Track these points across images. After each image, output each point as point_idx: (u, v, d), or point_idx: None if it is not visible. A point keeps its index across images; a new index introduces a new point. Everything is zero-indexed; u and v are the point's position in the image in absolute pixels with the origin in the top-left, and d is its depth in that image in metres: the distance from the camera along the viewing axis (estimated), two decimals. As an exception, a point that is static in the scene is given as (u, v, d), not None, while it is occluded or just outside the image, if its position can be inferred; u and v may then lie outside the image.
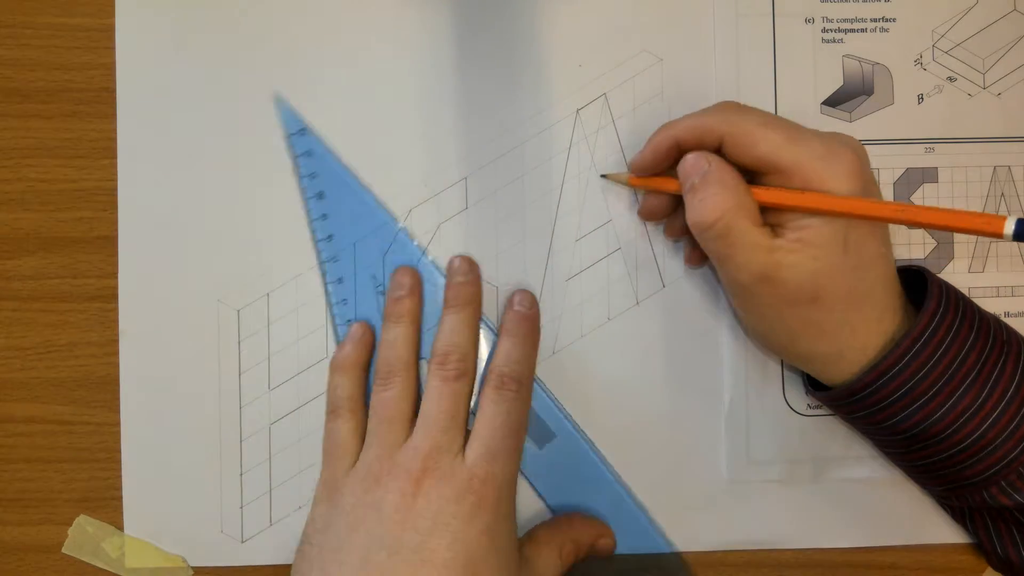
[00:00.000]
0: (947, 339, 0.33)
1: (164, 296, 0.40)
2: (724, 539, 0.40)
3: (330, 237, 0.39)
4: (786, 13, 0.41)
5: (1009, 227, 0.31)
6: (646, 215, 0.39)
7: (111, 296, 0.40)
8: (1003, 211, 0.41)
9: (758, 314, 0.36)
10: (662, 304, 0.40)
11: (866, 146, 0.35)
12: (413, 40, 0.40)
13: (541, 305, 0.40)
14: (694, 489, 0.40)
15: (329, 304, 0.40)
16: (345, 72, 0.40)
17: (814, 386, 0.38)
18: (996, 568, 0.39)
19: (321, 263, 0.40)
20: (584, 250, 0.40)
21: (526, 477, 0.40)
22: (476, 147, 0.40)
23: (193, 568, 0.40)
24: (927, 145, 0.41)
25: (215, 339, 0.40)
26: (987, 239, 0.40)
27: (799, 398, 0.40)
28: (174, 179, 0.40)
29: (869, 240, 0.34)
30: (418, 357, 0.38)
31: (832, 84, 0.41)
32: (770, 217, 0.34)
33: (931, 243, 0.41)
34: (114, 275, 0.40)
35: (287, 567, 0.38)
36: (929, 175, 0.41)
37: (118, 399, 0.40)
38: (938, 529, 0.40)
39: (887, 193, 0.41)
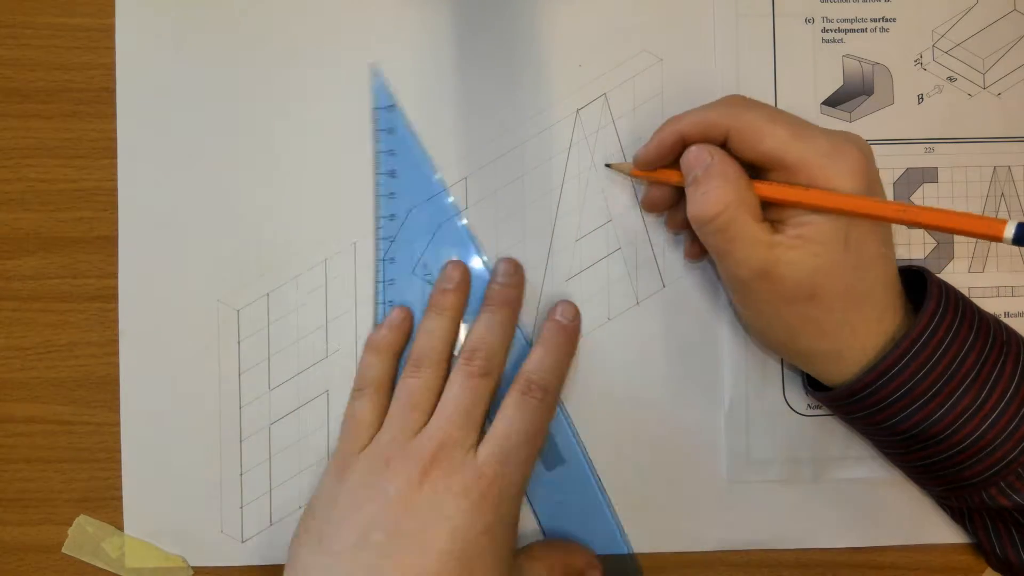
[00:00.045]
0: (946, 340, 0.33)
1: (164, 296, 0.40)
2: (724, 539, 0.40)
3: (392, 216, 0.39)
4: (786, 13, 0.41)
5: (1009, 231, 0.31)
6: (648, 206, 0.39)
7: (111, 296, 0.40)
8: (1003, 211, 0.41)
9: (757, 311, 0.36)
10: (662, 304, 0.40)
11: (866, 146, 0.35)
12: (413, 40, 0.40)
13: (541, 305, 0.40)
14: (694, 489, 0.40)
15: (376, 281, 0.40)
16: (341, 71, 0.40)
17: (814, 386, 0.38)
18: (995, 568, 0.39)
19: (378, 239, 0.40)
20: (584, 250, 0.40)
21: (527, 494, 0.40)
22: (476, 147, 0.40)
23: (193, 568, 0.40)
24: (927, 145, 0.41)
25: (215, 339, 0.40)
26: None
27: (799, 398, 0.40)
28: (174, 179, 0.40)
29: (870, 239, 0.34)
30: (452, 352, 0.38)
31: (832, 84, 0.41)
32: (771, 213, 0.34)
33: (931, 243, 0.41)
34: (114, 275, 0.40)
35: (287, 567, 0.38)
36: (929, 175, 0.41)
37: (118, 399, 0.40)
38: (937, 529, 0.40)
39: (887, 193, 0.41)
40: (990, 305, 0.40)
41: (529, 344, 0.39)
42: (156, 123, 0.40)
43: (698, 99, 0.37)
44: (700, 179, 0.34)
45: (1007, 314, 0.41)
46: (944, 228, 0.32)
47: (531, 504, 0.40)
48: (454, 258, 0.39)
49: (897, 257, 0.38)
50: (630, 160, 0.39)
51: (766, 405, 0.40)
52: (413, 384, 0.37)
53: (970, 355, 0.34)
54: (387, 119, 0.39)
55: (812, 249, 0.33)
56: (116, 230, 0.40)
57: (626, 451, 0.40)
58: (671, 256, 0.40)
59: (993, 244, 0.40)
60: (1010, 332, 0.35)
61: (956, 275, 0.40)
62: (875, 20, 0.41)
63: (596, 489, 0.40)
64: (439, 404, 0.36)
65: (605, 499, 0.40)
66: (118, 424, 0.40)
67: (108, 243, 0.40)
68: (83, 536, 0.40)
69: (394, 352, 0.39)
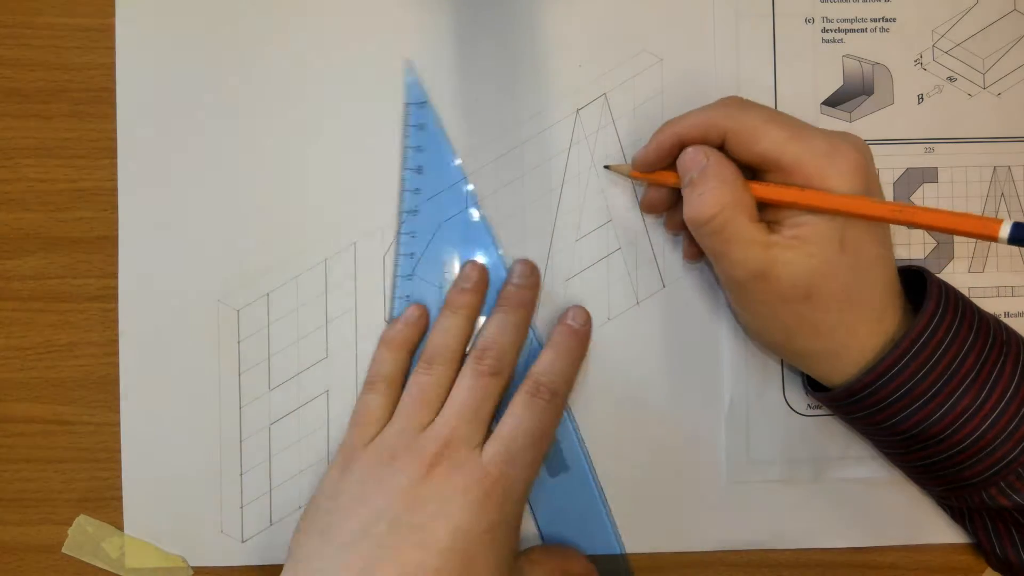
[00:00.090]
0: (946, 340, 0.33)
1: (164, 296, 0.40)
2: (724, 539, 0.40)
3: (415, 211, 0.39)
4: (786, 13, 0.41)
5: (1004, 231, 0.31)
6: (647, 208, 0.39)
7: (111, 296, 0.40)
8: (1003, 211, 0.41)
9: (754, 311, 0.36)
10: (662, 304, 0.40)
11: (866, 146, 0.35)
12: (413, 40, 0.40)
13: (541, 305, 0.40)
14: (694, 489, 0.40)
15: (395, 276, 0.40)
16: (341, 72, 0.40)
17: (813, 387, 0.38)
18: (995, 568, 0.39)
19: (399, 234, 0.40)
20: (584, 250, 0.40)
21: (528, 499, 0.40)
22: (476, 147, 0.40)
23: (193, 568, 0.40)
24: (927, 145, 0.41)
25: (215, 339, 0.40)
26: (987, 239, 0.40)
27: (799, 398, 0.40)
28: (174, 179, 0.40)
29: (867, 240, 0.34)
30: (465, 351, 0.38)
31: (832, 84, 0.41)
32: (768, 213, 0.34)
33: (931, 243, 0.41)
34: (114, 275, 0.40)
35: (287, 567, 0.38)
36: (929, 175, 0.41)
37: (118, 399, 0.40)
38: (938, 529, 0.40)
39: (887, 193, 0.41)
40: (990, 305, 0.40)
41: (540, 346, 0.39)
42: (156, 123, 0.40)
43: (698, 99, 0.37)
44: (696, 181, 0.34)
45: (1007, 314, 0.41)
46: (940, 228, 0.32)
47: (532, 509, 0.40)
48: (474, 260, 0.39)
49: (897, 257, 0.38)
50: (629, 161, 0.39)
51: (766, 405, 0.40)
52: (424, 381, 0.37)
53: (970, 355, 0.34)
54: (418, 115, 0.39)
55: (808, 250, 0.33)
56: (116, 230, 0.40)
57: (626, 451, 0.40)
58: (671, 256, 0.40)
59: (993, 244, 0.40)
60: (1010, 332, 0.35)
61: (956, 275, 0.40)
62: (875, 20, 0.41)
63: (597, 499, 0.40)
64: (447, 401, 0.36)
65: (605, 508, 0.40)
66: (118, 424, 0.40)
67: (108, 243, 0.40)
68: (83, 536, 0.40)
69: (408, 348, 0.39)
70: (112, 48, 0.40)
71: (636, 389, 0.40)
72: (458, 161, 0.40)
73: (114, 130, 0.40)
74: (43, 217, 0.40)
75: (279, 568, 0.36)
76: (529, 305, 0.39)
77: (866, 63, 0.41)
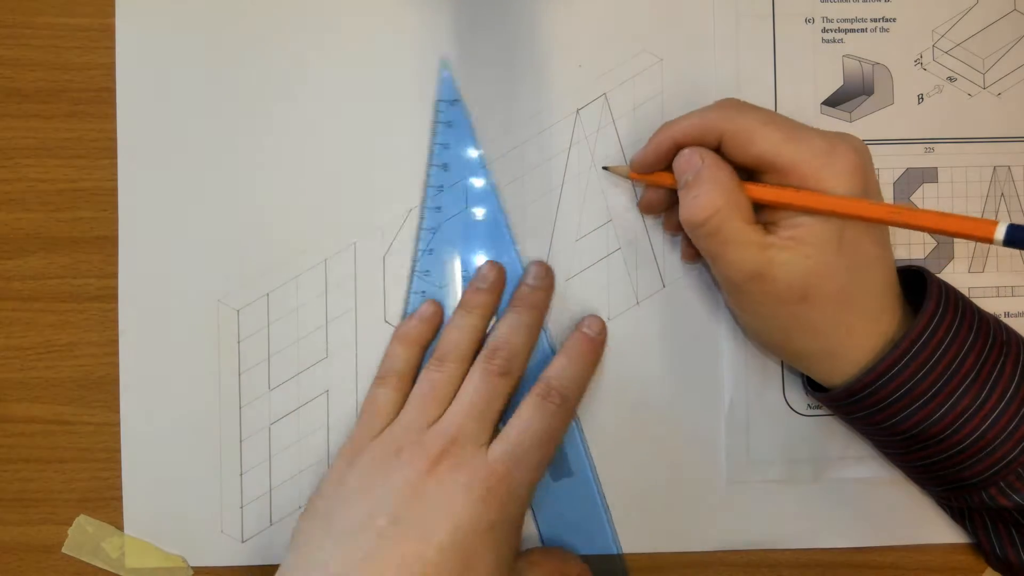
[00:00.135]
0: (946, 340, 0.33)
1: (164, 296, 0.40)
2: (724, 539, 0.40)
3: (439, 208, 0.39)
4: (786, 13, 0.41)
5: (1000, 232, 0.31)
6: (645, 208, 0.39)
7: (111, 296, 0.40)
8: (1003, 211, 0.41)
9: (751, 312, 0.36)
10: (662, 304, 0.40)
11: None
12: (412, 40, 0.40)
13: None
14: (694, 489, 0.40)
15: (412, 271, 0.40)
16: (342, 72, 0.40)
17: (813, 387, 0.38)
18: (995, 568, 0.39)
19: (420, 229, 0.40)
20: (584, 250, 0.40)
21: (530, 504, 0.40)
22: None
23: (193, 568, 0.40)
24: (927, 145, 0.41)
25: (215, 339, 0.40)
26: (987, 239, 0.40)
27: (799, 398, 0.40)
28: (174, 179, 0.40)
29: (865, 241, 0.34)
30: (477, 351, 0.38)
31: (832, 84, 0.41)
32: (765, 215, 0.35)
33: (931, 243, 0.41)
34: (114, 275, 0.40)
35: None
36: (929, 175, 0.41)
37: (118, 399, 0.40)
38: (938, 529, 0.40)
39: (887, 193, 0.41)
40: (990, 305, 0.40)
41: (551, 349, 0.39)
42: (156, 123, 0.40)
43: (698, 99, 0.37)
44: (691, 183, 0.34)
45: (1007, 314, 0.41)
46: (936, 230, 0.32)
47: (533, 509, 0.40)
48: (493, 260, 0.39)
49: (897, 257, 0.38)
50: (628, 162, 0.39)
51: (766, 405, 0.40)
52: (435, 377, 0.37)
53: (970, 355, 0.34)
54: (448, 113, 0.40)
55: (804, 251, 0.33)
56: (116, 230, 0.40)
57: (626, 451, 0.40)
58: (671, 256, 0.40)
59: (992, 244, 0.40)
60: (1010, 332, 0.35)
61: (956, 275, 0.40)
62: (875, 20, 0.41)
63: (599, 502, 0.40)
64: (455, 399, 0.36)
65: (606, 511, 0.40)
66: (118, 424, 0.40)
67: (108, 243, 0.40)
68: (83, 536, 0.40)
69: (421, 344, 0.39)
70: (112, 48, 0.40)
71: (636, 389, 0.40)
72: (482, 158, 0.40)
73: (114, 130, 0.40)
74: (43, 217, 0.40)
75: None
76: (542, 307, 0.39)
77: (866, 63, 0.41)
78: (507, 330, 0.38)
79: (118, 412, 0.40)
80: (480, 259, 0.40)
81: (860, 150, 0.34)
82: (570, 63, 0.40)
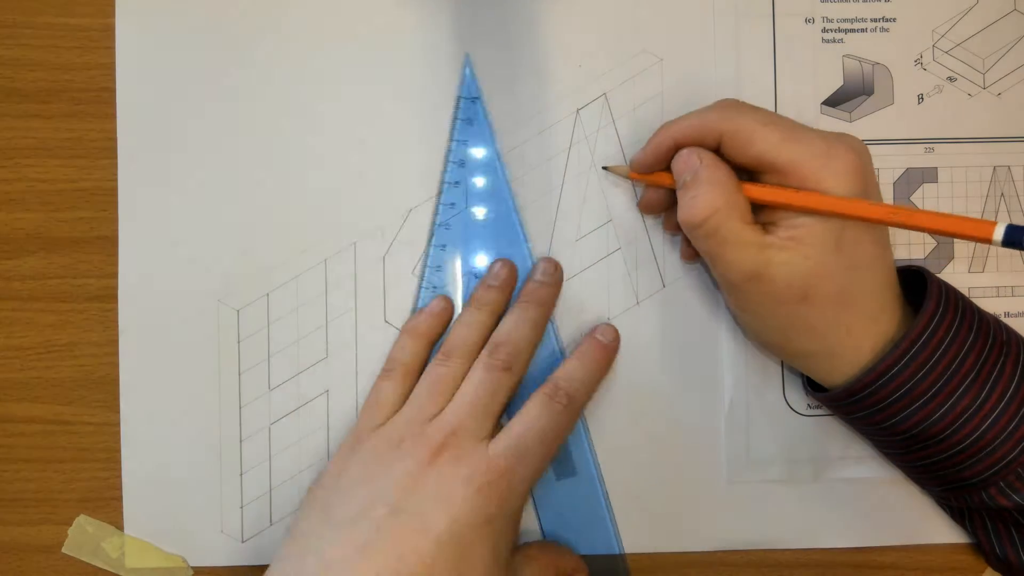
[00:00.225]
0: (946, 340, 0.33)
1: (164, 296, 0.40)
2: (724, 539, 0.40)
3: (453, 204, 0.39)
4: (786, 13, 0.41)
5: (998, 233, 0.31)
6: (645, 208, 0.39)
7: (111, 296, 0.40)
8: (1003, 211, 0.41)
9: (751, 312, 0.36)
10: (662, 304, 0.40)
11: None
12: (413, 40, 0.40)
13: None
14: (694, 489, 0.40)
15: (424, 265, 0.40)
16: (341, 72, 0.40)
17: (813, 387, 0.38)
18: (995, 568, 0.39)
19: (434, 224, 0.40)
20: (584, 250, 0.40)
21: (533, 499, 0.40)
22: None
23: (193, 568, 0.40)
24: (927, 145, 0.41)
25: (215, 339, 0.40)
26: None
27: (799, 398, 0.40)
28: (174, 179, 0.40)
29: (864, 241, 0.34)
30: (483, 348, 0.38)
31: (832, 84, 0.41)
32: (764, 215, 0.35)
33: (931, 243, 0.41)
34: (114, 275, 0.40)
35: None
36: (929, 175, 0.41)
37: (118, 399, 0.40)
38: (938, 529, 0.40)
39: (887, 193, 0.41)
40: (990, 305, 0.40)
41: (560, 351, 0.39)
42: (156, 123, 0.40)
43: (698, 99, 0.37)
44: (689, 184, 0.34)
45: (1007, 314, 0.41)
46: (934, 230, 0.32)
47: (536, 508, 0.40)
48: (505, 258, 0.39)
49: (897, 257, 0.38)
50: (628, 162, 0.39)
51: (766, 405, 0.40)
52: (440, 372, 0.37)
53: (970, 355, 0.34)
54: (469, 110, 0.40)
55: (803, 251, 0.33)
56: (116, 230, 0.40)
57: (626, 451, 0.40)
58: (671, 256, 0.40)
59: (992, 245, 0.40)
60: (1010, 332, 0.35)
61: (956, 275, 0.40)
62: (875, 20, 0.41)
63: (602, 502, 0.40)
64: (457, 393, 0.36)
65: (609, 510, 0.40)
66: (118, 424, 0.40)
67: (108, 243, 0.40)
68: (83, 536, 0.40)
69: (429, 339, 0.39)
70: (112, 48, 0.40)
71: (636, 389, 0.40)
72: (499, 155, 0.40)
73: (114, 130, 0.40)
74: (43, 217, 0.40)
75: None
76: (549, 303, 0.39)
77: (866, 63, 0.41)
78: (511, 325, 0.38)
79: (118, 412, 0.40)
80: (491, 257, 0.40)
81: (859, 150, 0.34)
82: (570, 63, 0.40)
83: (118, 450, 0.40)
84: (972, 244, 0.41)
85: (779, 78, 0.40)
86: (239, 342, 0.40)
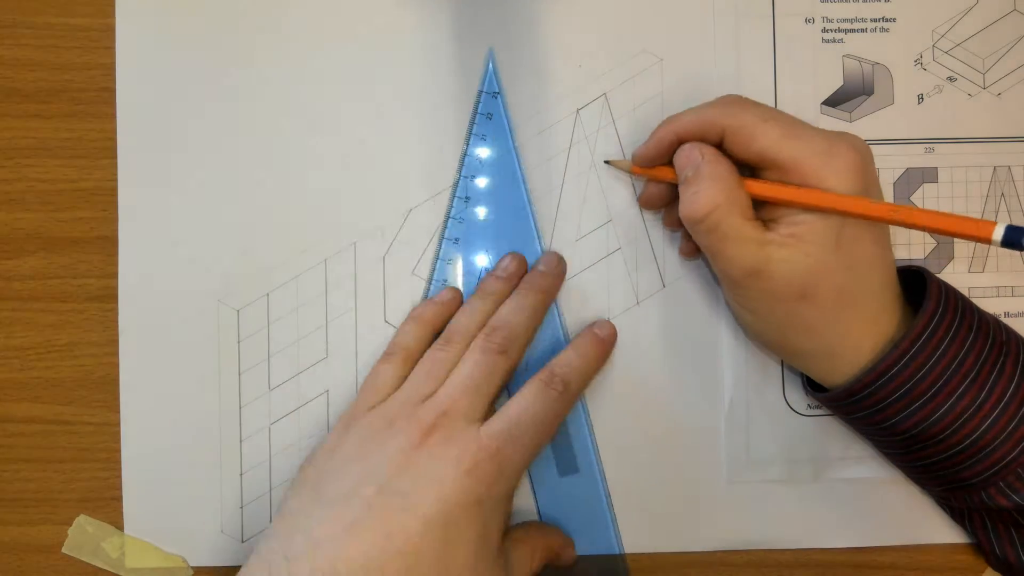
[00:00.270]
0: (946, 340, 0.33)
1: (164, 296, 0.40)
2: (724, 539, 0.40)
3: (467, 199, 0.40)
4: (786, 13, 0.41)
5: (998, 233, 0.31)
6: (645, 203, 0.39)
7: (111, 296, 0.40)
8: (1003, 211, 0.41)
9: (750, 309, 0.36)
10: (662, 304, 0.40)
11: (866, 146, 0.35)
12: (413, 40, 0.40)
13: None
14: (694, 489, 0.40)
15: (436, 257, 0.40)
16: (341, 72, 0.40)
17: (813, 387, 0.38)
18: (995, 568, 0.39)
19: (448, 217, 0.40)
20: (584, 250, 0.40)
21: (535, 496, 0.40)
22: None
23: (193, 568, 0.40)
24: (927, 145, 0.41)
25: (215, 339, 0.40)
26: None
27: (799, 398, 0.40)
28: (174, 179, 0.40)
29: (864, 241, 0.34)
30: None
31: (832, 84, 0.41)
32: (765, 212, 0.35)
33: (931, 243, 0.41)
34: (114, 275, 0.40)
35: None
36: (929, 175, 0.41)
37: (118, 399, 0.40)
38: (938, 529, 0.40)
39: (887, 193, 0.41)
40: (990, 305, 0.40)
41: (565, 340, 0.39)
42: (156, 123, 0.40)
43: (698, 99, 0.37)
44: (690, 179, 0.34)
45: (1007, 314, 0.41)
46: (934, 229, 0.32)
47: (538, 507, 0.40)
48: (515, 252, 0.40)
49: (897, 257, 0.38)
50: (629, 157, 0.40)
51: (766, 405, 0.40)
52: (438, 356, 0.37)
53: (969, 355, 0.34)
54: (489, 104, 0.40)
55: (804, 248, 0.33)
56: (116, 230, 0.40)
57: (625, 451, 0.40)
58: (671, 256, 0.40)
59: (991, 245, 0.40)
60: (1010, 332, 0.35)
61: (956, 275, 0.40)
62: (875, 20, 0.41)
63: (604, 504, 0.40)
64: (451, 374, 0.36)
65: (610, 510, 0.40)
66: (118, 424, 0.40)
67: (108, 243, 0.40)
68: (83, 536, 0.40)
69: (433, 326, 0.39)
70: (112, 48, 0.40)
71: (636, 389, 0.40)
72: (516, 152, 0.40)
73: (114, 130, 0.40)
74: (43, 217, 0.40)
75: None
76: (549, 292, 0.39)
77: (866, 63, 0.41)
78: (509, 310, 0.38)
79: (118, 412, 0.40)
80: (503, 252, 0.40)
81: (860, 149, 0.34)
82: (570, 63, 0.40)
83: (118, 450, 0.40)
84: (972, 244, 0.41)
85: (779, 78, 0.40)
86: (239, 342, 0.40)
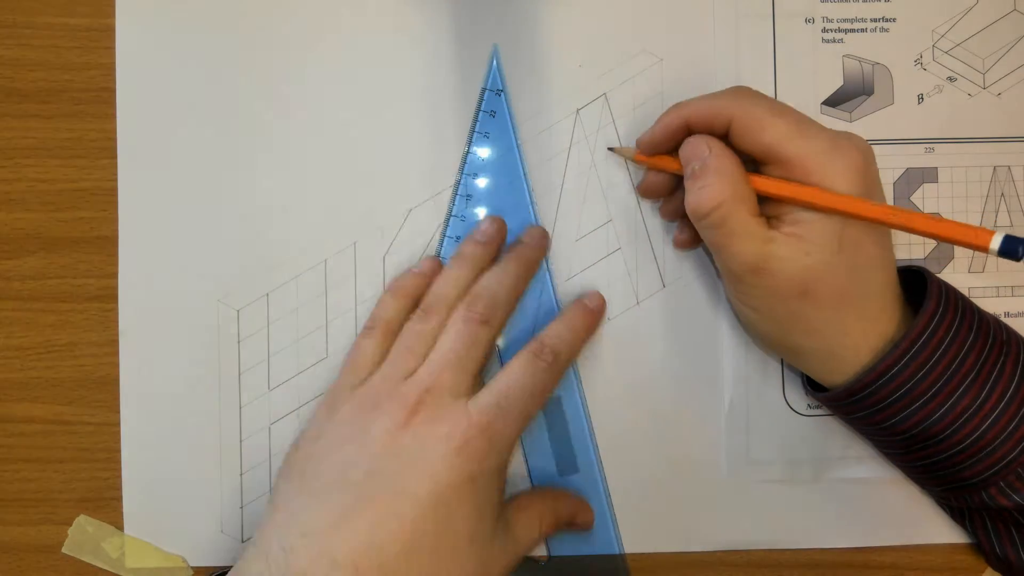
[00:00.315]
0: (946, 340, 0.33)
1: (164, 296, 0.40)
2: (724, 539, 0.40)
3: (469, 197, 0.40)
4: (786, 13, 0.41)
5: (995, 242, 0.31)
6: (645, 192, 0.39)
7: (111, 296, 0.40)
8: (1003, 211, 0.41)
9: (751, 306, 0.36)
10: (662, 304, 0.40)
11: (866, 146, 0.35)
12: (413, 41, 0.40)
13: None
14: (694, 489, 0.40)
15: (437, 256, 0.40)
16: (341, 72, 0.40)
17: (813, 387, 0.38)
18: (995, 568, 0.39)
19: (448, 216, 0.40)
20: (584, 250, 0.40)
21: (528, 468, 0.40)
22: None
23: (193, 568, 0.40)
24: (927, 145, 0.41)
25: (215, 339, 0.40)
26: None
27: (799, 398, 0.40)
28: (174, 179, 0.40)
29: (866, 240, 0.34)
30: None
31: (832, 84, 0.41)
32: (768, 208, 0.34)
33: (931, 243, 0.41)
34: (114, 275, 0.40)
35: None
36: (929, 175, 0.41)
37: (118, 399, 0.40)
38: (938, 529, 0.40)
39: (887, 193, 0.41)
40: (990, 305, 0.40)
41: (557, 308, 0.40)
42: (156, 123, 0.40)
43: (698, 99, 0.37)
44: (697, 173, 0.34)
45: (1007, 314, 0.41)
46: (932, 234, 0.32)
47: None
48: (496, 216, 0.39)
49: (897, 257, 0.38)
50: (634, 143, 0.39)
51: (766, 405, 0.40)
52: (417, 329, 0.36)
53: (970, 355, 0.34)
54: (492, 102, 0.40)
55: (805, 247, 0.33)
56: (116, 230, 0.40)
57: (625, 450, 0.40)
58: (671, 256, 0.40)
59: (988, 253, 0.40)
60: (1010, 332, 0.35)
61: (956, 275, 0.40)
62: (875, 20, 0.41)
63: (605, 504, 0.40)
64: (434, 348, 0.36)
65: (610, 510, 0.40)
66: (118, 424, 0.40)
67: (108, 243, 0.40)
68: (83, 536, 0.40)
69: (413, 298, 0.38)
70: (112, 48, 0.40)
71: (636, 389, 0.40)
72: (520, 150, 0.40)
73: (114, 130, 0.40)
74: (43, 217, 0.40)
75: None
76: (531, 263, 0.39)
77: (866, 63, 0.41)
78: (491, 279, 0.37)
79: (118, 412, 0.40)
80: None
81: (864, 150, 0.34)
82: (570, 63, 0.40)
83: (118, 450, 0.40)
84: (972, 244, 0.40)
85: (779, 78, 0.40)
86: (239, 342, 0.40)
